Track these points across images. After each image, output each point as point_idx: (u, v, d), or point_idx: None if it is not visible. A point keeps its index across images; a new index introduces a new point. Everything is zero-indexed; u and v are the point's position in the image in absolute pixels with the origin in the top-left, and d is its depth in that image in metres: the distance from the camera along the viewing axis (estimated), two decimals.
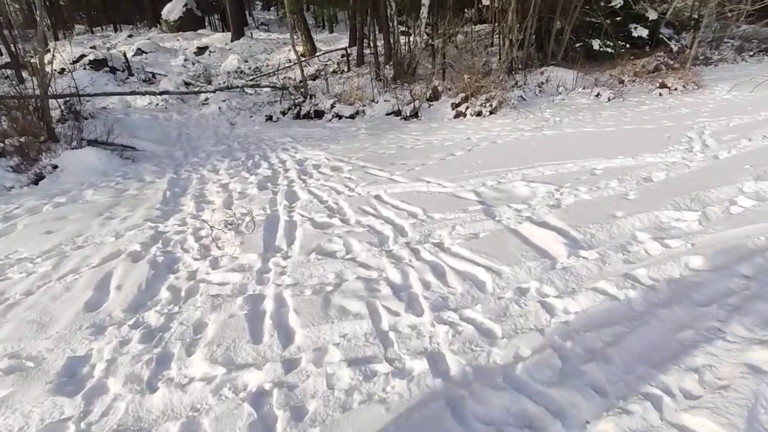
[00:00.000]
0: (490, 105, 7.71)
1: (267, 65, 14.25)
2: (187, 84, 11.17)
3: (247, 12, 26.97)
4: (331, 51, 14.31)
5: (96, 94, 8.99)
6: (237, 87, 10.48)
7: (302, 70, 9.71)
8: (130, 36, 19.82)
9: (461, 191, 4.08)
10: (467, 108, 7.82)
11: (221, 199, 4.42)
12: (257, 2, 35.93)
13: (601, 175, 4.21)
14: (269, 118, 9.22)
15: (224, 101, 9.97)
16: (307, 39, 15.14)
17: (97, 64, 12.19)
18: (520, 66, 11.12)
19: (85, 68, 11.83)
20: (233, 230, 3.57)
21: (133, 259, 3.16)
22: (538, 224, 3.24)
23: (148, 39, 18.28)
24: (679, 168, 4.23)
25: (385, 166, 5.16)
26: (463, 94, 8.16)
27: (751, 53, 12.94)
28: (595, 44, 11.49)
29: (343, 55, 13.68)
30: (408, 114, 8.15)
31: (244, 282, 2.76)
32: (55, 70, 13.22)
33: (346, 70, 12.52)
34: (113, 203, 4.44)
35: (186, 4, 20.67)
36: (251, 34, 19.13)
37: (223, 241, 3.40)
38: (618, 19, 11.52)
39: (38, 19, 8.08)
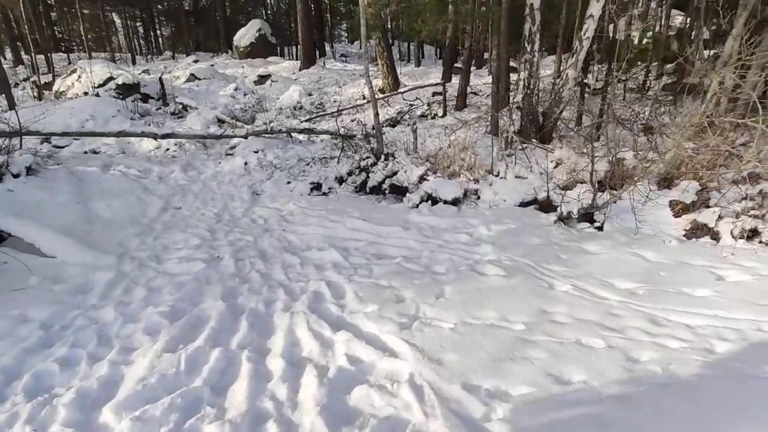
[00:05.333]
0: None
1: (334, 101, 11.04)
2: (220, 122, 8.13)
3: (328, 45, 24.84)
4: (422, 87, 10.78)
5: (53, 134, 6.06)
6: (281, 131, 7.20)
7: (377, 114, 6.14)
8: (196, 61, 18.00)
9: None
10: (718, 218, 3.63)
11: None
12: (342, 35, 34.36)
13: None
14: (316, 187, 5.66)
15: (257, 152, 6.63)
16: (389, 70, 11.77)
17: (126, 90, 9.62)
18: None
19: (98, 95, 9.26)
20: None
21: None
22: None
23: (212, 65, 16.18)
24: None
25: None
26: (694, 185, 3.99)
27: None
28: None
29: (435, 93, 10.09)
30: (575, 215, 4.12)
31: None
32: (76, 94, 11.09)
33: (440, 114, 8.83)
34: None
35: (260, 30, 18.63)
36: (323, 63, 16.38)
37: None
38: None
39: None
